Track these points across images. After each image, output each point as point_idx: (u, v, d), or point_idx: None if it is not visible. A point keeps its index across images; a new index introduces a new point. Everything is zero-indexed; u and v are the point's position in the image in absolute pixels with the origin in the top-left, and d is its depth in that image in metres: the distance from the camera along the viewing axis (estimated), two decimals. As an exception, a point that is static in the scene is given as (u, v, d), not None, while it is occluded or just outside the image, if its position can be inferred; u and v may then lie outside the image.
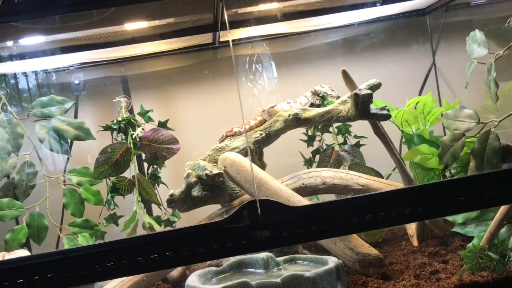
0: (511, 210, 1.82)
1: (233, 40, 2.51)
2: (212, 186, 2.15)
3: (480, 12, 2.66)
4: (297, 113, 2.17)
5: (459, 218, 2.06)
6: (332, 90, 2.45)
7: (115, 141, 2.39)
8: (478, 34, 2.06)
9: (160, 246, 1.45)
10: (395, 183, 2.23)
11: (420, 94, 2.68)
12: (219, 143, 2.30)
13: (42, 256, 1.44)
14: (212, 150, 2.27)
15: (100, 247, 1.45)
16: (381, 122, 2.21)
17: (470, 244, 1.86)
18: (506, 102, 2.10)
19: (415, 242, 2.18)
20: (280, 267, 1.85)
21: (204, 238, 1.47)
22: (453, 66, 2.69)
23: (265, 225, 1.48)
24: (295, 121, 2.19)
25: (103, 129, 2.39)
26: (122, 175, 2.36)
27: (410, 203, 1.51)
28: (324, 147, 2.53)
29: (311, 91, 2.44)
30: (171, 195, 2.11)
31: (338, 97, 2.36)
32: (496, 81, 1.93)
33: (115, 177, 2.35)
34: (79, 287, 2.04)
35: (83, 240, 2.31)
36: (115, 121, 2.38)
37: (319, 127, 2.52)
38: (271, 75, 2.69)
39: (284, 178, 2.21)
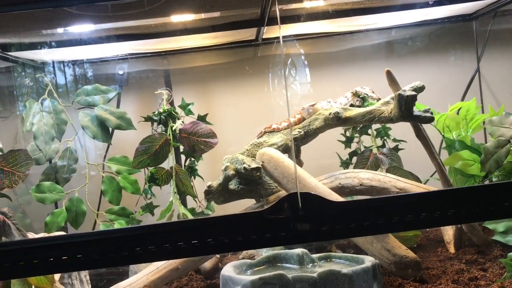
0: (557, 220, 1.77)
1: (275, 38, 2.53)
2: (249, 180, 2.16)
3: (529, 20, 2.62)
4: (338, 112, 2.17)
5: (500, 226, 2.01)
6: (373, 92, 2.43)
7: (155, 132, 2.43)
8: (528, 40, 2.02)
9: (200, 232, 1.46)
10: (434, 188, 2.20)
11: (462, 100, 2.64)
12: (257, 138, 2.31)
13: (86, 235, 1.47)
14: (250, 145, 2.28)
15: (142, 230, 1.47)
16: (422, 126, 2.18)
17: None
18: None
19: (451, 249, 2.14)
20: (315, 263, 1.84)
21: (244, 227, 1.48)
22: (498, 74, 2.64)
23: (305, 218, 1.47)
24: (336, 120, 2.18)
25: (144, 120, 2.43)
26: (160, 165, 2.39)
27: (453, 205, 1.48)
28: (362, 149, 2.51)
29: (352, 92, 2.43)
30: (209, 186, 2.13)
31: (378, 99, 2.34)
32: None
33: (153, 167, 2.38)
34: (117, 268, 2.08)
35: (119, 227, 2.35)
36: (156, 113, 2.42)
37: (358, 128, 2.51)
38: (310, 75, 2.69)
39: (320, 177, 2.20)
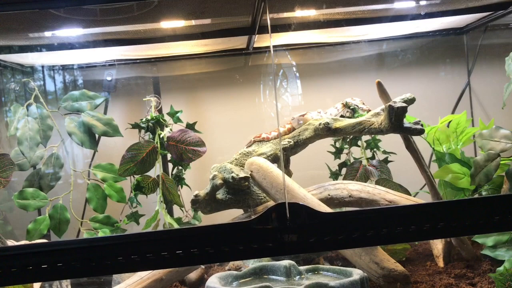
0: (546, 235, 1.76)
1: (266, 47, 2.51)
2: (237, 190, 2.12)
3: (520, 35, 2.63)
4: (328, 122, 2.15)
5: (489, 241, 2.00)
6: (363, 104, 2.42)
7: (142, 140, 2.39)
8: (518, 54, 2.03)
9: (185, 242, 1.42)
10: (423, 201, 2.18)
11: (453, 113, 2.64)
12: (247, 147, 2.28)
13: (68, 243, 1.43)
14: (239, 154, 2.25)
15: (125, 239, 1.43)
16: (413, 138, 2.17)
17: (501, 268, 1.80)
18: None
19: (440, 263, 2.12)
20: (302, 276, 1.80)
21: (230, 237, 1.44)
22: (488, 88, 2.64)
23: (293, 229, 1.44)
24: (326, 131, 2.16)
25: (131, 127, 2.39)
26: (147, 174, 2.35)
27: (443, 218, 1.46)
28: (352, 160, 2.49)
29: (342, 103, 2.42)
30: (196, 196, 2.09)
31: (369, 111, 2.33)
32: (536, 102, 1.89)
33: (139, 175, 2.34)
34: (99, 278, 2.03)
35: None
36: (144, 120, 2.38)
37: (348, 140, 2.49)
38: (301, 85, 2.68)
39: (309, 188, 2.18)
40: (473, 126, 2.56)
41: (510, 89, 2.05)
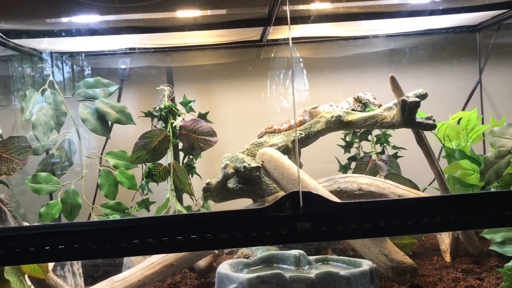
0: (555, 232, 1.77)
1: (280, 39, 2.52)
2: (248, 180, 2.14)
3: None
4: (340, 115, 2.17)
5: (497, 237, 2.01)
6: (375, 98, 2.43)
7: (155, 128, 2.42)
8: (532, 52, 2.03)
9: (200, 227, 1.44)
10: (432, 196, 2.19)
11: (463, 110, 2.64)
12: (258, 138, 2.30)
13: (84, 225, 1.45)
14: (251, 144, 2.27)
15: (141, 222, 1.45)
16: (424, 133, 2.19)
17: (510, 263, 1.81)
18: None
19: (447, 258, 2.14)
20: (311, 265, 1.82)
21: (244, 224, 1.46)
22: (499, 86, 2.65)
23: (306, 217, 1.46)
24: (338, 123, 2.18)
25: (144, 115, 2.42)
26: (159, 162, 2.38)
27: (456, 211, 1.47)
28: (361, 154, 2.51)
29: (354, 97, 2.43)
30: (208, 184, 2.11)
31: (380, 106, 2.34)
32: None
33: (151, 163, 2.37)
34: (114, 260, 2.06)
35: (114, 222, 2.32)
36: (157, 108, 2.41)
37: (358, 134, 2.51)
38: (312, 79, 2.69)
39: (320, 180, 2.19)
40: (483, 123, 2.57)
41: (523, 87, 2.06)
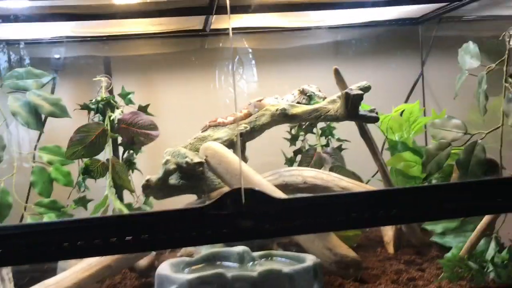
0: (492, 222, 1.81)
1: (224, 29, 2.45)
2: (191, 175, 2.07)
3: (472, 28, 2.69)
4: (285, 108, 2.13)
5: (438, 227, 2.05)
6: (320, 91, 2.41)
7: (92, 121, 2.30)
8: (471, 45, 2.06)
9: (136, 227, 1.37)
10: (375, 188, 2.20)
11: (406, 102, 2.68)
12: (202, 132, 2.23)
13: (8, 228, 1.34)
14: (194, 139, 2.20)
15: (71, 224, 1.37)
16: (367, 126, 2.19)
17: (449, 254, 1.84)
18: (492, 118, 2.10)
19: (390, 250, 2.16)
20: (255, 262, 1.78)
21: (183, 223, 1.40)
22: (440, 79, 2.70)
23: (248, 215, 1.41)
24: (282, 116, 2.14)
25: (80, 108, 2.29)
26: (96, 157, 2.26)
27: (397, 204, 1.47)
28: (307, 147, 2.49)
29: (299, 90, 2.40)
30: (147, 181, 2.03)
31: (324, 98, 2.33)
32: (486, 94, 1.93)
33: (88, 159, 2.25)
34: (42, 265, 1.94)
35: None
36: (93, 101, 2.28)
37: (303, 127, 2.49)
38: (258, 71, 2.64)
39: (265, 174, 2.16)
40: (425, 115, 2.61)
41: (462, 80, 2.09)
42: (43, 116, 2.31)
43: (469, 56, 2.06)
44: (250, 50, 2.61)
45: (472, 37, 2.38)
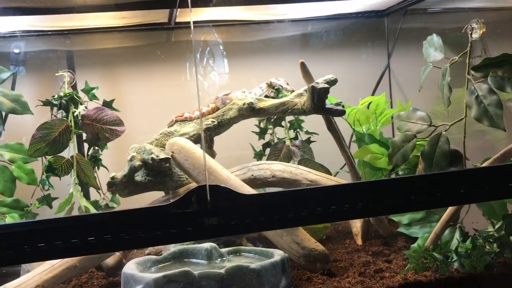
0: (457, 213, 1.85)
1: (188, 22, 2.41)
2: (157, 172, 2.04)
3: (437, 20, 2.72)
4: (252, 103, 2.11)
5: (404, 219, 2.07)
6: (288, 84, 2.41)
7: (55, 118, 2.24)
8: (435, 38, 2.09)
9: (98, 228, 1.34)
10: (344, 180, 2.22)
11: (373, 95, 2.69)
12: (168, 127, 2.20)
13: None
14: (160, 134, 2.17)
15: (30, 226, 1.33)
16: (334, 119, 2.19)
17: (414, 245, 1.87)
18: (456, 109, 2.14)
19: (359, 241, 2.18)
20: (223, 258, 1.78)
21: (146, 223, 1.38)
22: (406, 71, 2.72)
23: (213, 212, 1.40)
24: (250, 111, 2.13)
25: (42, 104, 2.22)
26: (60, 154, 2.20)
27: (362, 198, 1.48)
28: (276, 140, 2.48)
29: (267, 83, 2.40)
30: (112, 178, 1.99)
31: (292, 91, 2.33)
32: (450, 86, 1.96)
33: (52, 156, 2.19)
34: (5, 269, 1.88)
35: (12, 221, 2.13)
36: (56, 96, 2.22)
37: (272, 120, 2.48)
38: (226, 64, 2.61)
39: (233, 168, 2.14)
40: (391, 107, 2.63)
41: (427, 72, 2.11)
42: (3, 113, 2.24)
43: (433, 49, 2.08)
44: (219, 42, 2.57)
45: (436, 29, 2.41)
